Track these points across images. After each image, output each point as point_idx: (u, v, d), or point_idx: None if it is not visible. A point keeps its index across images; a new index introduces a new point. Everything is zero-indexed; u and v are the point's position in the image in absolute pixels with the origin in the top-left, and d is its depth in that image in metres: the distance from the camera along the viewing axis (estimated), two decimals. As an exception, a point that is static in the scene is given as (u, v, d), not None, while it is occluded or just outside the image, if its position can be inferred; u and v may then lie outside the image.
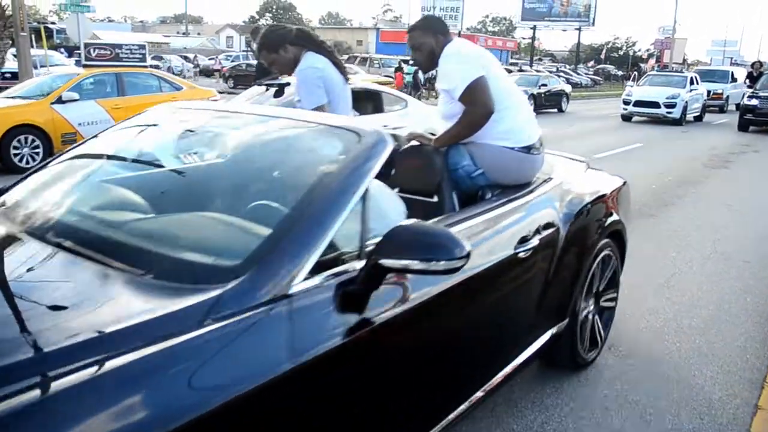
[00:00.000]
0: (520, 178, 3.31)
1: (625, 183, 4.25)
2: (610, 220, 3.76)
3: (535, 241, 2.90)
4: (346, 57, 44.49)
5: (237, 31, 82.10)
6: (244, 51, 56.92)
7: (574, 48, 71.94)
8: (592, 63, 78.13)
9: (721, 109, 27.55)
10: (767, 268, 5.92)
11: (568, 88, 27.47)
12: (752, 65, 28.05)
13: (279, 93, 7.81)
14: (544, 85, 24.97)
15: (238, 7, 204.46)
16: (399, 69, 30.24)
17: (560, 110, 25.58)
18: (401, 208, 2.47)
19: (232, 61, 41.75)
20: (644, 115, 21.92)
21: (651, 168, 11.90)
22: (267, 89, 8.22)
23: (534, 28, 61.91)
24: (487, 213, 2.80)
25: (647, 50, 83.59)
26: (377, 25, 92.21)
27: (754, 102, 19.33)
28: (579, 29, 60.11)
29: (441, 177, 3.20)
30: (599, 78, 61.87)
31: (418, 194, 3.16)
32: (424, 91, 29.07)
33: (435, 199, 3.18)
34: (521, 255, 2.79)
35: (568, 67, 64.31)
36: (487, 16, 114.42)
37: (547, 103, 24.70)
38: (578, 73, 57.40)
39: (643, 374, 3.77)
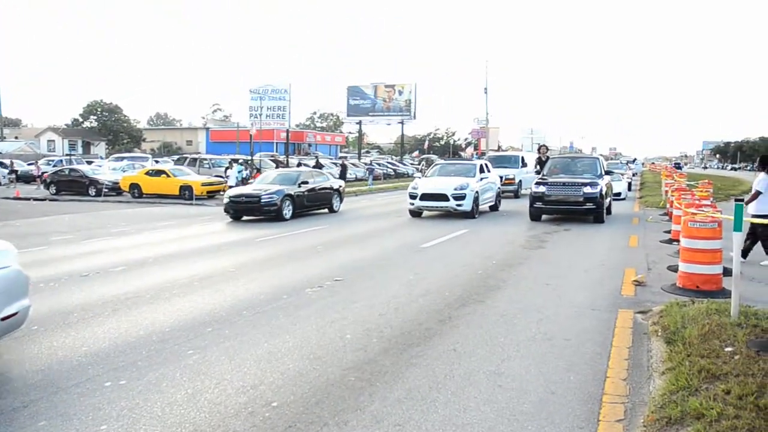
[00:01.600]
0: None
1: None
2: None
3: None
4: (176, 157, 43.66)
5: (59, 134, 78.12)
6: (67, 155, 54.15)
7: (399, 140, 75.73)
8: (416, 153, 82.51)
9: (516, 194, 27.59)
10: (585, 344, 6.31)
11: (338, 184, 23.86)
12: (539, 149, 26.03)
13: None
14: (305, 182, 21.05)
15: (61, 109, 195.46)
16: (230, 168, 29.92)
17: (331, 210, 22.45)
18: None
19: (54, 166, 39.58)
20: (433, 210, 20.09)
21: (477, 253, 12.53)
22: None
23: (360, 123, 64.75)
24: None
25: (465, 139, 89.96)
26: (207, 124, 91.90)
27: (542, 189, 18.07)
28: (402, 122, 63.54)
29: None
30: (425, 166, 65.29)
31: None
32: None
33: None
34: None
35: (394, 158, 67.42)
36: (315, 113, 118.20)
37: (310, 203, 21.26)
38: (404, 164, 60.31)
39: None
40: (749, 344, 5.61)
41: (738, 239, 6.64)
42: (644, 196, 30.06)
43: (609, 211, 19.65)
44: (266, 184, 20.62)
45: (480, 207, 20.23)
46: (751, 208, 10.80)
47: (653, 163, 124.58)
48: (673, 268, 10.10)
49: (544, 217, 18.85)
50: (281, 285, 9.37)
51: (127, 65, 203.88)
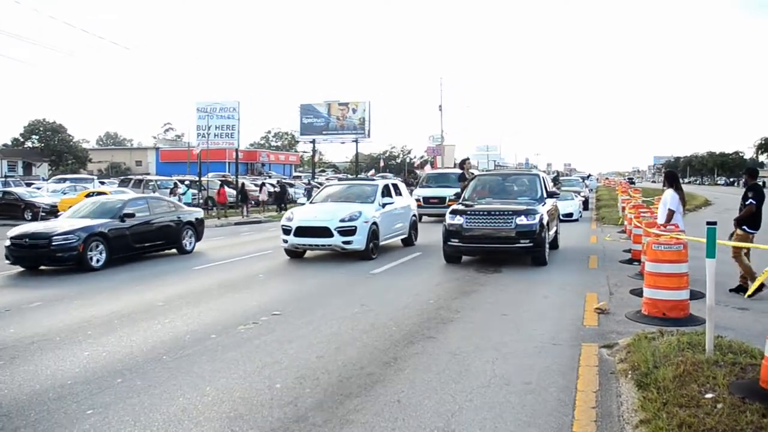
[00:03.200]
0: None
1: None
2: None
3: None
4: (121, 178, 42.08)
5: (-3, 154, 75.07)
6: (5, 177, 51.88)
7: (354, 159, 75.04)
8: (372, 172, 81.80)
9: None
10: (548, 389, 5.56)
11: (194, 215, 17.69)
12: (461, 164, 21.28)
13: None
14: (130, 215, 14.91)
15: (0, 128, 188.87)
16: (181, 188, 28.71)
17: (182, 250, 16.45)
18: None
19: (-11, 188, 37.62)
20: (314, 248, 14.88)
21: (428, 279, 11.77)
22: None
23: (313, 141, 63.87)
24: None
25: (421, 157, 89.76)
26: (157, 144, 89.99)
27: (459, 221, 13.17)
28: (356, 141, 62.87)
29: None
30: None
31: None
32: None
33: None
34: None
35: (349, 176, 66.66)
36: (269, 132, 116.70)
37: (142, 244, 15.26)
38: (359, 182, 59.45)
39: None
40: (732, 388, 4.93)
41: (711, 267, 6.00)
42: (601, 213, 29.77)
43: (555, 245, 15.69)
44: (73, 219, 14.81)
45: (385, 241, 15.71)
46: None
47: (607, 178, 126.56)
48: (637, 292, 9.56)
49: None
50: (212, 322, 8.44)
51: (74, 83, 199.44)
